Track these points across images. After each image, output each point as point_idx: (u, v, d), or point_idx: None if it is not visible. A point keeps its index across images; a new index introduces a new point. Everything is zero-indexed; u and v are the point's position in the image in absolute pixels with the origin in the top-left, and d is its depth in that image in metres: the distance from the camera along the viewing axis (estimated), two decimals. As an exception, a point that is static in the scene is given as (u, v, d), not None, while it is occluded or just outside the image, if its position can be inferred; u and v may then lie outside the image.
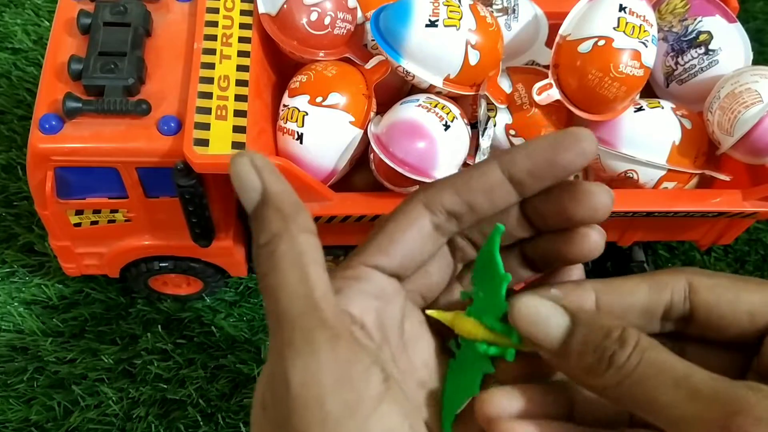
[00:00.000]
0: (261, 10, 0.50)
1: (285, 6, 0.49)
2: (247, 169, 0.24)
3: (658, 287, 0.26)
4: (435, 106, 0.48)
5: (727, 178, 0.52)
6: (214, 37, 0.49)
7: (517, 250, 0.28)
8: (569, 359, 0.24)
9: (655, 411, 0.22)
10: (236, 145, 0.45)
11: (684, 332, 0.27)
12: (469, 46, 0.47)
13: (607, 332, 0.24)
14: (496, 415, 0.25)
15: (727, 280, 0.26)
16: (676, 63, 0.54)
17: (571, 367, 0.24)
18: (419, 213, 0.26)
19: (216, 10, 0.50)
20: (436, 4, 0.47)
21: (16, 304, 0.60)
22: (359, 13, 0.52)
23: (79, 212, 0.51)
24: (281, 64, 0.54)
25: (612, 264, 0.63)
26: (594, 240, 0.27)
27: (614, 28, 0.47)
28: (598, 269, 0.62)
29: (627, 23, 0.47)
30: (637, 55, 0.47)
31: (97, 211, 0.51)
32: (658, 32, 0.53)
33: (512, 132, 0.52)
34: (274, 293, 0.22)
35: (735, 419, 0.21)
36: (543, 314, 0.25)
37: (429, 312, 0.28)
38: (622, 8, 0.48)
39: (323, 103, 0.48)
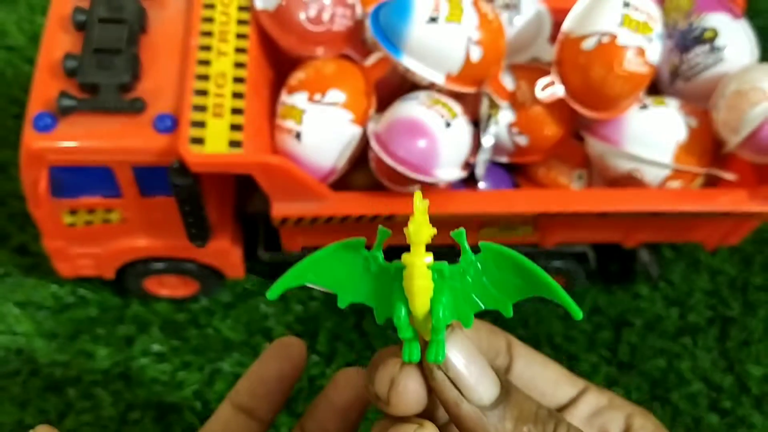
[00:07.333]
0: (258, 5, 0.49)
1: (283, 1, 0.48)
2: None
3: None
4: (436, 104, 0.47)
5: (733, 178, 0.51)
6: (210, 34, 0.49)
7: None
8: (505, 422, 0.23)
9: None
10: (233, 143, 0.45)
11: None
12: (470, 43, 0.46)
13: (538, 408, 0.24)
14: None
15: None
16: (681, 60, 0.53)
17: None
18: None
19: (212, 6, 0.50)
20: (437, 0, 0.46)
21: (9, 305, 0.59)
22: (359, 9, 0.51)
23: (73, 212, 0.50)
24: (279, 60, 0.54)
25: (617, 265, 0.62)
26: None
27: (618, 25, 0.47)
28: (602, 270, 0.61)
29: (631, 19, 0.47)
30: (641, 51, 0.47)
31: (91, 211, 0.50)
32: (663, 29, 0.52)
33: (515, 130, 0.51)
34: None
35: None
36: (477, 371, 0.23)
37: None
38: (626, 4, 0.47)
39: (322, 101, 0.47)
